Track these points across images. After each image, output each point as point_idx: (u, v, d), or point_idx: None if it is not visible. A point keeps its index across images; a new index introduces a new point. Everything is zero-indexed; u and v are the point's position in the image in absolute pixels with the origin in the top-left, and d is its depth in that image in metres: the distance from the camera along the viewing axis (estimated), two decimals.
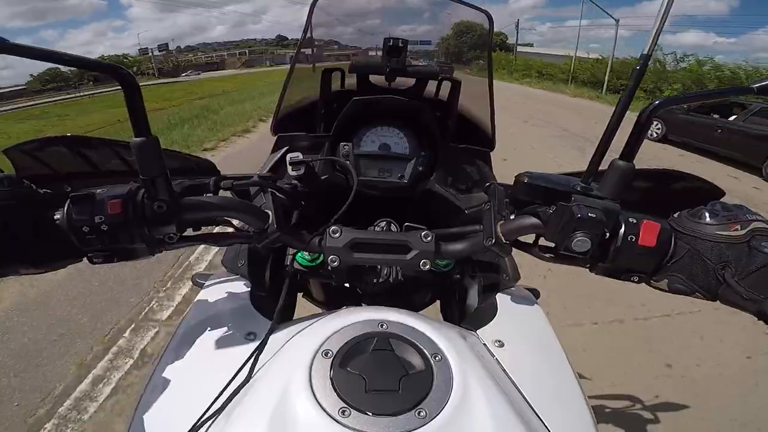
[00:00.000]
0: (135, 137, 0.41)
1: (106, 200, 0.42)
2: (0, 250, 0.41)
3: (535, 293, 0.72)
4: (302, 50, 0.92)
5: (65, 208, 0.42)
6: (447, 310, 0.88)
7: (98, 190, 0.43)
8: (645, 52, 0.42)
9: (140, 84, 0.41)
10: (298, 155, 0.66)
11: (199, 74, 49.52)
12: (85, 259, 0.45)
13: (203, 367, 0.48)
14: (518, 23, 35.39)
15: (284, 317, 0.55)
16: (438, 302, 0.92)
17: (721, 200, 0.49)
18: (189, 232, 0.50)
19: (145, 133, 0.41)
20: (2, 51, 0.34)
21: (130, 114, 0.40)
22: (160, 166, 0.42)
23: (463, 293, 0.79)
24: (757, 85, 0.42)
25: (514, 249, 0.56)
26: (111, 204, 0.41)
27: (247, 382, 0.42)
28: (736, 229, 0.43)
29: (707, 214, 0.45)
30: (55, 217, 0.42)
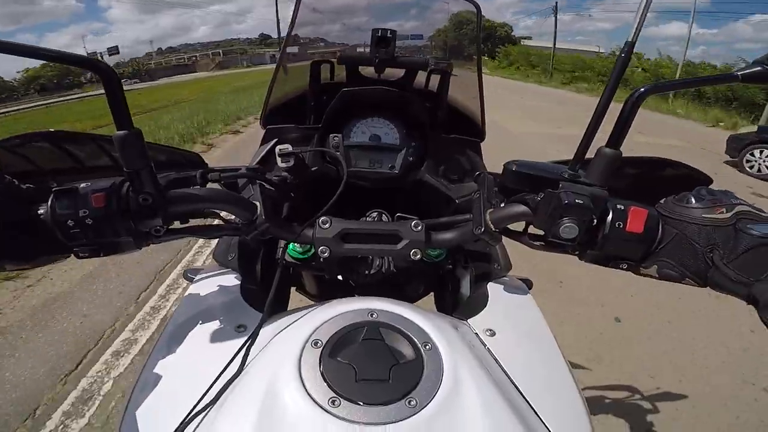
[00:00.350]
0: (117, 130, 0.41)
1: (89, 194, 0.41)
2: None
3: (528, 283, 0.72)
4: (290, 45, 0.91)
5: (49, 203, 0.42)
6: (441, 301, 0.88)
7: (82, 184, 0.42)
8: (629, 40, 0.42)
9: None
10: (288, 147, 0.66)
11: (136, 82, 41.02)
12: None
13: (194, 361, 0.48)
14: (557, 6, 30.96)
15: (278, 311, 0.55)
16: (432, 294, 0.93)
17: (702, 186, 0.49)
18: (176, 225, 0.50)
19: (127, 126, 0.41)
20: None
21: (111, 107, 0.40)
22: (143, 159, 0.42)
23: (456, 284, 0.80)
24: (741, 73, 0.42)
25: (505, 239, 0.56)
26: (95, 197, 0.41)
27: (238, 374, 0.42)
28: (722, 212, 0.43)
29: (693, 199, 0.46)
30: (39, 211, 0.42)
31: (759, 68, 0.41)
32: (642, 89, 0.43)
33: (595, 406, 1.67)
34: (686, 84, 0.48)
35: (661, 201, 0.48)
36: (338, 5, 1.11)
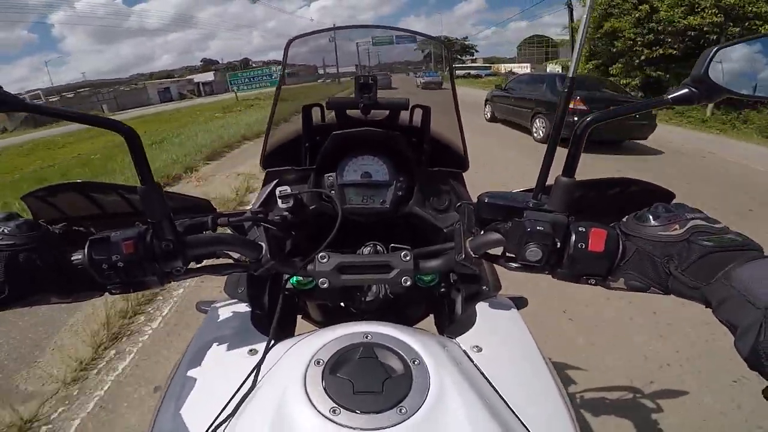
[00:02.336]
0: (140, 184, 0.47)
1: (120, 241, 0.48)
2: (32, 283, 0.46)
3: (521, 302, 0.76)
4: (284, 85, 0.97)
5: (86, 249, 0.48)
6: (439, 322, 0.93)
7: (113, 233, 0.49)
8: (569, 75, 0.48)
9: None
10: (287, 189, 0.73)
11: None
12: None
13: (212, 381, 0.53)
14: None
15: (285, 337, 0.60)
16: (432, 316, 0.98)
17: (660, 203, 0.52)
18: (193, 264, 0.56)
19: (148, 181, 0.47)
20: (16, 109, 0.41)
21: (135, 163, 0.46)
22: (164, 210, 0.49)
23: (451, 306, 0.85)
24: (671, 96, 0.46)
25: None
26: (125, 245, 0.48)
27: (251, 390, 0.47)
28: (675, 229, 0.48)
29: (650, 217, 0.50)
30: (76, 257, 0.48)
31: (686, 91, 0.45)
32: (587, 119, 0.47)
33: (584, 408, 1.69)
34: (626, 111, 0.49)
35: (623, 219, 0.52)
36: (321, 47, 1.21)
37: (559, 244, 0.50)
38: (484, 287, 0.75)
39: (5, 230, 0.45)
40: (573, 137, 0.47)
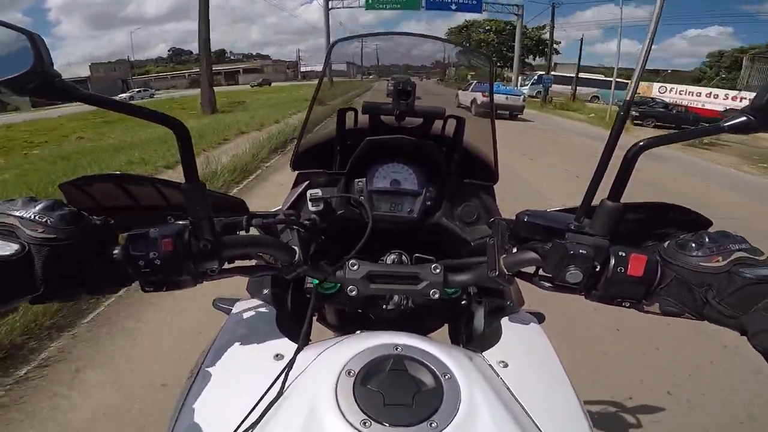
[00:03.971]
0: (185, 181, 0.47)
1: (159, 239, 0.47)
2: (67, 279, 0.46)
3: (540, 317, 0.76)
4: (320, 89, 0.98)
5: (124, 244, 0.48)
6: (454, 333, 0.92)
7: (151, 230, 0.48)
8: (627, 98, 0.47)
9: None
10: (318, 192, 0.73)
11: None
12: (138, 285, 0.51)
13: (235, 385, 0.53)
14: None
15: (307, 341, 0.60)
16: (446, 326, 0.97)
17: (705, 231, 0.52)
18: (226, 264, 0.56)
19: (193, 178, 0.47)
20: (73, 99, 0.40)
21: (182, 160, 0.46)
22: (205, 209, 0.49)
23: (469, 318, 0.84)
24: (727, 124, 0.45)
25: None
26: (164, 242, 0.47)
27: (278, 398, 0.47)
28: (718, 261, 0.47)
29: (693, 245, 0.49)
30: (114, 251, 0.49)
31: (744, 118, 0.43)
32: (640, 144, 0.46)
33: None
34: (679, 137, 0.51)
35: (664, 244, 0.52)
36: (366, 52, 1.20)
37: (598, 267, 0.50)
38: (509, 302, 0.75)
39: (48, 221, 0.44)
40: (623, 162, 0.47)
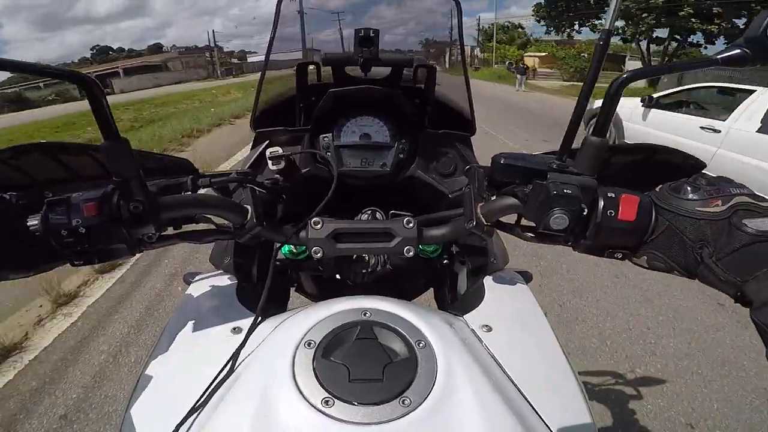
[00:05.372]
0: (104, 140, 0.41)
1: (81, 203, 0.41)
2: None
3: (527, 276, 0.72)
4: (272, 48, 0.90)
5: (42, 213, 0.42)
6: (440, 297, 0.88)
7: (74, 194, 0.42)
8: (606, 27, 0.42)
9: None
10: (278, 150, 0.66)
11: None
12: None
13: (191, 363, 0.48)
14: None
15: (276, 312, 0.55)
16: (432, 290, 0.93)
17: (704, 173, 0.47)
18: (169, 231, 0.50)
19: (113, 136, 0.41)
20: None
21: (96, 118, 0.40)
22: (132, 167, 0.42)
23: (453, 279, 0.80)
24: (721, 56, 0.41)
25: (503, 235, 0.55)
26: (86, 207, 0.41)
27: (230, 375, 0.42)
28: (717, 205, 0.41)
29: (689, 189, 0.44)
30: (33, 222, 0.42)
31: (738, 51, 0.40)
32: (624, 76, 0.42)
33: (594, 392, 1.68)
34: (667, 69, 0.47)
35: (656, 189, 0.47)
36: (318, 4, 1.10)
37: (585, 211, 0.44)
38: (492, 260, 0.70)
39: None
40: (606, 95, 0.42)
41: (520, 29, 47.55)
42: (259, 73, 0.86)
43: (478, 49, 43.93)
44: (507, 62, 31.27)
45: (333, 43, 1.12)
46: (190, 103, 15.94)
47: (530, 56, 35.40)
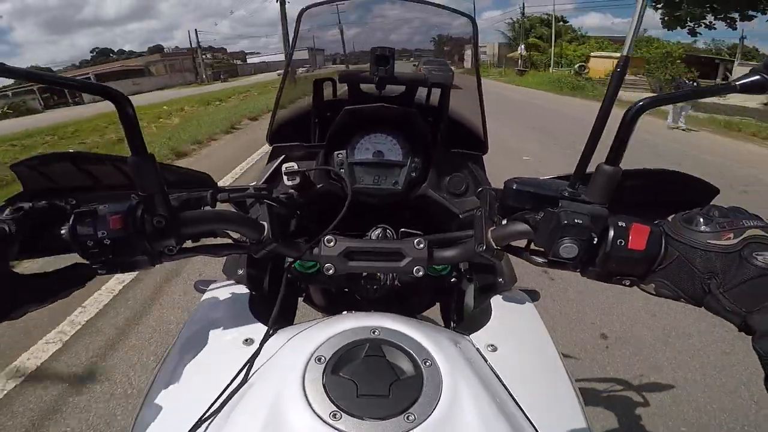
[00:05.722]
0: (132, 155, 0.42)
1: (108, 216, 0.43)
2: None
3: (534, 295, 0.72)
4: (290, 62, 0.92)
5: (69, 224, 0.43)
6: (446, 313, 0.89)
7: (101, 206, 0.44)
8: (624, 54, 0.42)
9: None
10: (293, 165, 0.68)
11: None
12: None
13: (202, 372, 0.49)
14: None
15: (284, 322, 0.56)
16: (438, 305, 0.94)
17: (715, 203, 0.47)
18: (188, 243, 0.52)
19: (141, 152, 0.42)
20: (7, 76, 0.36)
21: (126, 133, 0.41)
22: (157, 183, 0.44)
23: (461, 296, 0.80)
24: (740, 83, 0.41)
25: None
26: (113, 219, 0.43)
27: (241, 386, 0.43)
28: (729, 238, 0.41)
29: (701, 220, 0.44)
30: (61, 232, 0.44)
31: (758, 77, 0.40)
32: (640, 103, 0.42)
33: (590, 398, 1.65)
34: (685, 96, 0.46)
35: (668, 218, 0.47)
36: (335, 20, 1.12)
37: (596, 240, 0.44)
38: (500, 279, 0.71)
39: None
40: (622, 122, 0.42)
41: (562, 23, 36.31)
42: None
43: (522, 47, 31.74)
44: (577, 66, 24.58)
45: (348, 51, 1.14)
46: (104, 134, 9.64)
47: (598, 57, 25.52)
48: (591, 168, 0.46)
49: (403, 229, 0.74)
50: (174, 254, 0.48)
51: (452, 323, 0.83)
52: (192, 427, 0.41)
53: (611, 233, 0.44)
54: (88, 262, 0.45)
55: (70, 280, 0.46)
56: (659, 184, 0.65)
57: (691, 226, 0.44)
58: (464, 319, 0.73)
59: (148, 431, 0.44)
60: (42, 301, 0.44)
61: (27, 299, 0.43)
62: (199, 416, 0.42)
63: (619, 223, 0.44)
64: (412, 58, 1.23)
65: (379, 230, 0.74)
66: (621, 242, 0.44)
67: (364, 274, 0.72)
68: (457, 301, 0.82)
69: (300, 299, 0.92)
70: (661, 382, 1.81)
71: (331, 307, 0.92)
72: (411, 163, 0.79)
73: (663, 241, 0.44)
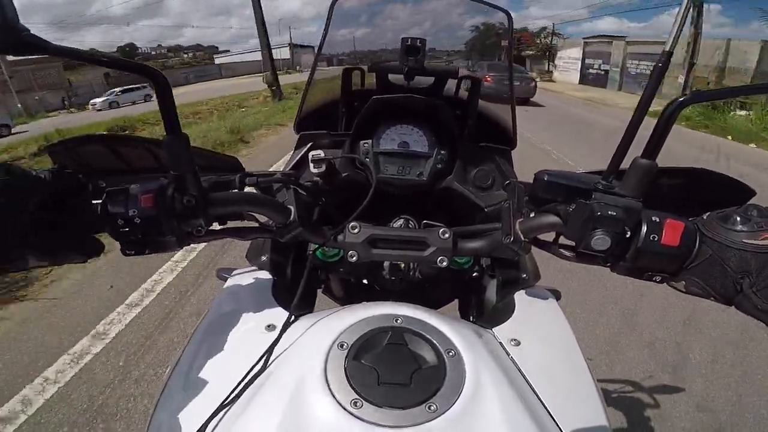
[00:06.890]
0: (166, 134, 0.43)
1: (139, 194, 0.44)
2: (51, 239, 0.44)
3: (556, 293, 0.71)
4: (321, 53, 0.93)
5: (102, 201, 0.44)
6: (465, 308, 0.88)
7: (132, 186, 0.45)
8: (666, 50, 0.40)
9: None
10: (320, 153, 0.68)
11: None
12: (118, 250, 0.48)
13: (225, 357, 0.50)
14: None
15: (304, 311, 0.56)
16: (456, 300, 0.93)
17: (753, 203, 0.45)
18: (215, 226, 0.52)
19: (175, 131, 0.43)
20: (42, 52, 0.36)
21: (162, 112, 0.42)
22: (189, 163, 0.44)
23: (481, 291, 0.79)
24: None
25: (535, 250, 0.55)
26: (144, 198, 0.44)
27: (263, 371, 0.44)
28: (766, 238, 0.40)
29: (738, 219, 0.43)
30: (92, 209, 0.45)
31: None
32: (681, 99, 0.41)
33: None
34: (725, 93, 0.44)
35: (704, 216, 0.45)
36: (369, 11, 1.12)
37: (628, 234, 0.43)
38: (524, 275, 0.70)
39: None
40: (660, 118, 0.41)
41: None
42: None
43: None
44: None
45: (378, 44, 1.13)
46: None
47: None
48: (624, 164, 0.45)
49: (425, 221, 0.73)
50: (202, 235, 0.49)
51: (471, 318, 0.82)
52: (215, 410, 0.41)
53: (644, 227, 0.43)
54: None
55: (78, 250, 0.48)
56: (694, 182, 0.63)
57: (726, 225, 0.43)
58: (486, 314, 0.72)
59: (170, 413, 0.44)
60: (42, 262, 0.46)
61: (32, 256, 0.45)
62: (222, 400, 0.42)
63: (653, 218, 0.43)
64: (445, 57, 1.22)
65: (401, 221, 0.74)
66: (654, 237, 0.43)
67: (386, 263, 0.71)
68: (477, 296, 0.81)
69: (319, 291, 0.93)
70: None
71: (350, 299, 0.92)
72: (437, 155, 0.78)
73: (697, 238, 0.43)
